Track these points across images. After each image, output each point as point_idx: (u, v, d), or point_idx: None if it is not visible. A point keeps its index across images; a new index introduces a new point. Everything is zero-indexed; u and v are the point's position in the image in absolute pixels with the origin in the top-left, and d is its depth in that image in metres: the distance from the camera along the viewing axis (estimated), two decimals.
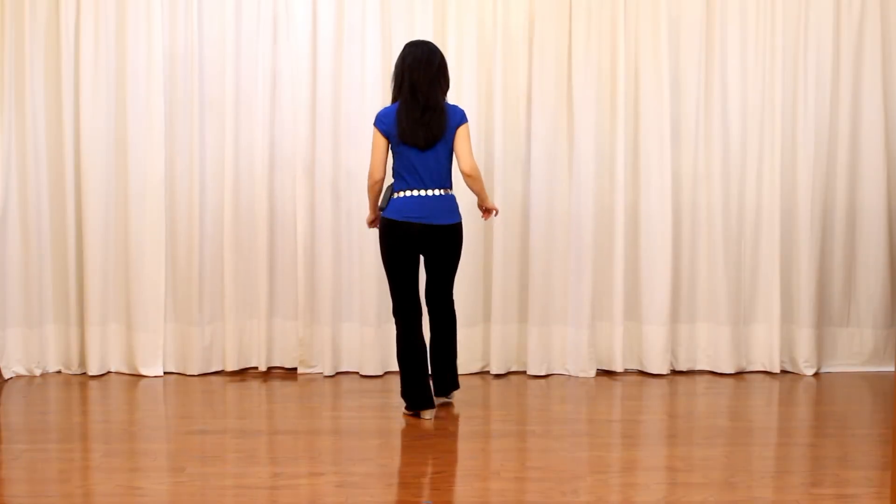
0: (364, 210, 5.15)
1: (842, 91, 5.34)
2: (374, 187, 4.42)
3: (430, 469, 3.81)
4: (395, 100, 4.43)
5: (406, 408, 4.52)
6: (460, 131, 4.38)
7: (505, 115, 5.30)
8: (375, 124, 4.39)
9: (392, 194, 4.40)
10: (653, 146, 5.31)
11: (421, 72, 4.35)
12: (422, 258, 4.52)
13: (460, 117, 4.40)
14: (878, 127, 5.33)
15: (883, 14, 5.32)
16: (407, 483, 3.67)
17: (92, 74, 5.21)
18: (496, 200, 5.22)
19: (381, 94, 5.23)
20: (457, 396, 4.81)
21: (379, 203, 4.45)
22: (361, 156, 5.20)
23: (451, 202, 4.44)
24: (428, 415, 4.44)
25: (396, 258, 4.41)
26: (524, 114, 5.32)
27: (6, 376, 5.25)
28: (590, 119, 5.26)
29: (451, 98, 4.88)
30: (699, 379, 5.31)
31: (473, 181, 4.43)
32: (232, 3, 5.25)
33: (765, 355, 5.41)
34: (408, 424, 4.37)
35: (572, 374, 5.34)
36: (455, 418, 4.48)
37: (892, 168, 5.39)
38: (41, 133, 5.26)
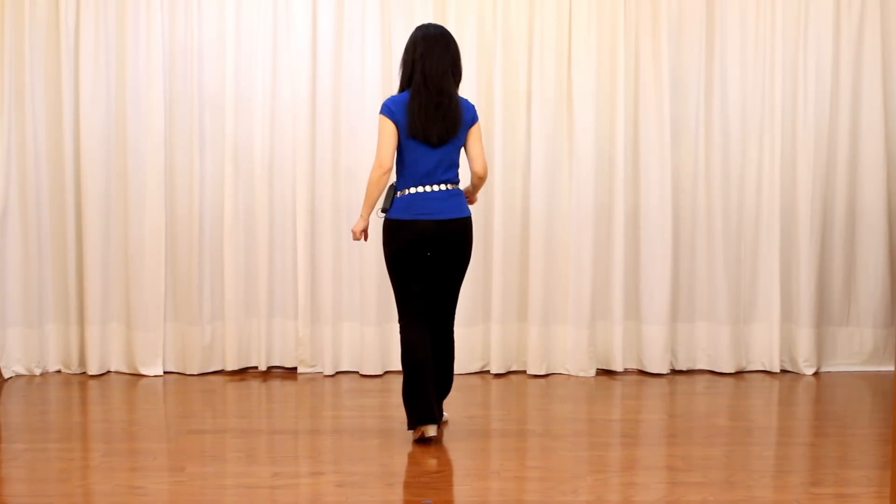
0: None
1: (842, 91, 5.34)
2: (383, 179, 3.96)
3: (430, 469, 3.81)
4: (402, 90, 4.02)
5: (409, 426, 4.07)
6: (473, 131, 4.04)
7: (505, 115, 5.30)
8: (383, 112, 3.96)
9: (395, 193, 4.03)
10: (653, 146, 5.31)
11: (434, 61, 3.94)
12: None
13: (472, 114, 4.05)
14: (878, 127, 5.33)
15: (883, 14, 5.32)
16: (407, 483, 3.67)
17: (92, 74, 5.21)
18: (496, 200, 5.25)
19: (380, 94, 5.22)
20: (457, 396, 4.78)
21: (381, 205, 4.06)
22: (361, 155, 5.20)
23: (460, 197, 4.07)
24: (431, 431, 4.03)
25: (406, 263, 4.01)
26: (524, 113, 5.32)
27: (6, 376, 5.24)
28: (590, 119, 5.26)
29: None
30: (699, 378, 5.31)
31: (481, 183, 4.14)
32: (232, 3, 5.25)
33: (765, 355, 5.41)
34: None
35: (572, 373, 5.34)
36: (455, 418, 4.47)
37: (892, 168, 5.39)
38: (41, 133, 5.26)
